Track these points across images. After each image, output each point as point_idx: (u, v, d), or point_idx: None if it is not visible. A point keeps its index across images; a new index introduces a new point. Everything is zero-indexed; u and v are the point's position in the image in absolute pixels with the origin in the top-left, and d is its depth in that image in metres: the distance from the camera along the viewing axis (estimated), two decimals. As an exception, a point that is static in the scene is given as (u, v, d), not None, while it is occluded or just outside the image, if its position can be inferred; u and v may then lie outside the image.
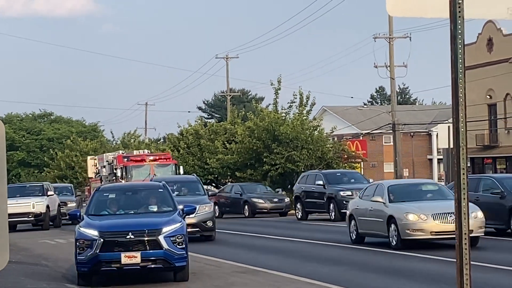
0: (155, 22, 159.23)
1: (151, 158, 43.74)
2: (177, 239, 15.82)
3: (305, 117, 55.25)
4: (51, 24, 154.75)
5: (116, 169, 43.85)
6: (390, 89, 53.47)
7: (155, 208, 17.53)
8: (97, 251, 15.64)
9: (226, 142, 56.51)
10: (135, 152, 48.83)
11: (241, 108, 70.08)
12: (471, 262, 5.97)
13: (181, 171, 42.68)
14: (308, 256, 21.95)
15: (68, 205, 41.48)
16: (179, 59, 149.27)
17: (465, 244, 5.43)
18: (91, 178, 51.14)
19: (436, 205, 20.66)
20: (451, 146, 37.98)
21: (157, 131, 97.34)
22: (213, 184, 60.91)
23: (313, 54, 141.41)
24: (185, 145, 59.22)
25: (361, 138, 65.88)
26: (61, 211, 38.91)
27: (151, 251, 15.66)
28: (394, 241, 19.83)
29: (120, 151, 49.32)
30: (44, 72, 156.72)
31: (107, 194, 18.61)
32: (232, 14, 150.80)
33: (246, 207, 44.70)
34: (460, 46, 5.38)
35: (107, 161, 46.97)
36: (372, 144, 69.70)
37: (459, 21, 5.30)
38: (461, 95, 5.46)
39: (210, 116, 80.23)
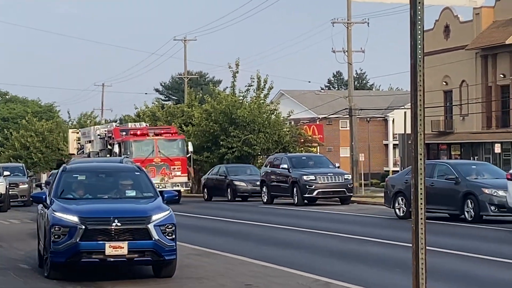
0: (114, 3, 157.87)
1: (155, 132, 38.33)
2: (167, 229, 14.86)
3: (262, 101, 55.65)
4: (7, 2, 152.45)
5: (112, 144, 38.33)
6: (347, 74, 53.88)
7: (133, 193, 16.23)
8: (77, 240, 14.46)
9: (183, 125, 56.64)
10: (130, 125, 43.45)
11: (199, 90, 69.96)
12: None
13: (190, 148, 37.95)
14: (264, 239, 22.23)
15: (20, 186, 38.80)
16: (137, 40, 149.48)
17: (421, 228, 5.58)
18: (73, 154, 45.62)
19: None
20: (407, 131, 38.33)
21: (114, 112, 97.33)
22: None
23: (271, 38, 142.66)
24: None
25: (318, 122, 67.79)
26: (12, 193, 36.67)
27: (139, 241, 14.58)
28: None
29: (114, 124, 44.03)
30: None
31: (76, 175, 16.80)
32: None
33: (228, 190, 44.14)
34: (419, 32, 5.50)
35: (98, 135, 41.37)
36: (328, 129, 71.20)
37: (419, 7, 5.35)
38: (420, 80, 5.67)
39: (167, 98, 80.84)
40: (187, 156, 36.76)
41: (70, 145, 45.07)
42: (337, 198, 34.79)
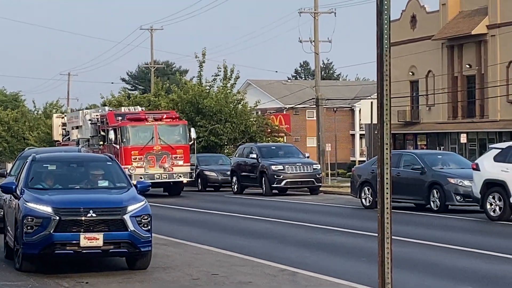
0: None
1: (155, 116, 33.94)
2: (143, 220, 14.77)
3: (229, 91, 55.72)
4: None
5: (106, 130, 34.15)
6: (314, 64, 54.25)
7: (105, 183, 16.17)
8: (51, 231, 14.34)
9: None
10: (123, 109, 39.19)
11: (165, 80, 70.07)
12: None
13: (193, 135, 33.98)
14: (231, 229, 22.45)
15: None
16: (103, 29, 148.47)
17: (387, 218, 5.66)
18: (58, 141, 41.51)
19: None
20: (374, 122, 38.65)
21: (80, 101, 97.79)
22: None
23: (238, 27, 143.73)
24: None
25: (284, 112, 68.74)
26: None
27: (115, 232, 14.47)
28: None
29: (107, 108, 39.61)
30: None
31: (47, 165, 16.59)
32: None
33: (199, 180, 43.51)
34: (386, 22, 5.55)
35: (89, 120, 36.96)
36: (295, 119, 72.25)
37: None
38: (386, 70, 5.71)
39: (133, 88, 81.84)
40: (190, 143, 33.57)
41: (55, 131, 41.41)
42: (306, 188, 34.92)
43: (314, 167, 35.11)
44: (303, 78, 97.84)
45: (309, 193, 34.24)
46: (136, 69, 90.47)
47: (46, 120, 71.31)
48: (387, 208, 5.77)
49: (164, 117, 33.15)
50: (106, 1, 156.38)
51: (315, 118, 54.89)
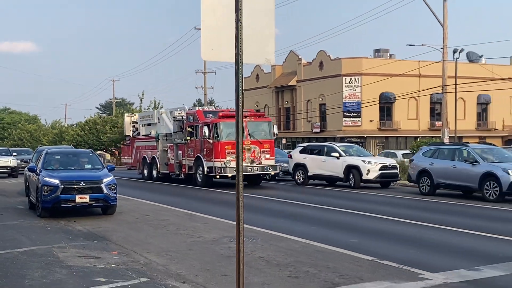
0: (67, 46, 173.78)
1: (244, 114, 25.36)
2: (112, 187, 16.26)
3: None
4: None
5: (194, 126, 28.20)
6: (204, 100, 61.96)
7: (89, 166, 17.47)
8: (59, 194, 15.64)
9: (112, 127, 64.29)
10: (197, 108, 32.21)
11: (121, 108, 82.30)
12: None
13: (275, 131, 28.36)
14: (160, 191, 27.17)
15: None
16: (83, 77, 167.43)
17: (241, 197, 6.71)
18: (128, 135, 36.98)
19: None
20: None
21: (72, 120, 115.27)
22: (105, 151, 69.35)
23: (164, 77, 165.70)
24: (88, 128, 67.79)
25: None
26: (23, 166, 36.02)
27: (96, 194, 15.88)
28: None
29: (186, 107, 32.68)
30: None
31: (54, 156, 18.03)
32: (119, 44, 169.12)
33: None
34: (240, 77, 6.28)
35: (173, 117, 30.94)
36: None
37: (240, 64, 6.25)
38: (240, 105, 6.40)
39: (103, 112, 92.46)
40: (274, 138, 28.59)
41: (126, 128, 37.07)
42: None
43: None
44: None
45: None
46: (104, 102, 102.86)
47: (52, 130, 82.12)
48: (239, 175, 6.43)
49: (252, 114, 28.53)
50: (82, 57, 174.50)
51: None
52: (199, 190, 26.21)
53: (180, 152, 29.52)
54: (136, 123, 36.52)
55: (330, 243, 12.36)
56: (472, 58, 63.64)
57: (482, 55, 63.89)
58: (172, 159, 30.85)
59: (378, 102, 61.86)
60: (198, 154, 27.71)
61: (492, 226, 14.89)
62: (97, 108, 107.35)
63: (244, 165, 21.96)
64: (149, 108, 66.92)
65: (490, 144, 29.59)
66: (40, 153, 20.06)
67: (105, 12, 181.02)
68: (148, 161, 33.26)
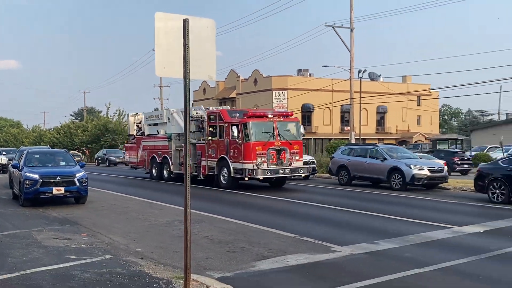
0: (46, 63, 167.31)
1: (273, 113, 22.19)
2: (83, 181, 15.75)
3: (121, 120, 65.37)
4: None
5: (218, 126, 22.05)
6: (160, 108, 58.94)
7: (64, 163, 16.81)
8: (38, 186, 15.10)
9: (83, 131, 64.80)
10: (211, 108, 25.72)
11: (91, 115, 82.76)
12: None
13: (302, 130, 22.57)
14: (122, 183, 25.80)
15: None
16: (55, 88, 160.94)
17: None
18: (133, 135, 30.71)
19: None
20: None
21: (50, 125, 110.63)
22: (77, 151, 63.92)
23: (128, 91, 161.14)
24: (63, 132, 67.23)
25: None
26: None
27: (70, 187, 15.42)
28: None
29: (202, 106, 25.61)
30: None
31: (34, 155, 17.45)
32: (92, 61, 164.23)
33: (107, 162, 46.59)
34: (188, 92, 6.31)
35: (191, 116, 22.94)
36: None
37: (187, 80, 6.25)
38: (188, 116, 6.47)
39: (75, 119, 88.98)
40: (302, 139, 22.91)
41: (130, 128, 31.18)
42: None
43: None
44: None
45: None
46: (77, 110, 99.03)
47: (32, 133, 78.49)
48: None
49: (280, 114, 22.43)
50: (61, 75, 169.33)
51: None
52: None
53: (199, 152, 23.46)
54: (140, 123, 30.37)
55: (262, 224, 12.28)
56: (373, 77, 64.56)
57: (380, 75, 64.91)
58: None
59: (300, 111, 61.64)
60: (223, 155, 21.83)
61: (393, 210, 15.02)
62: (71, 115, 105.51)
63: (275, 167, 20.37)
64: (115, 115, 67.35)
65: (393, 144, 29.92)
66: (22, 153, 19.40)
67: (84, 33, 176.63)
68: (158, 161, 27.17)
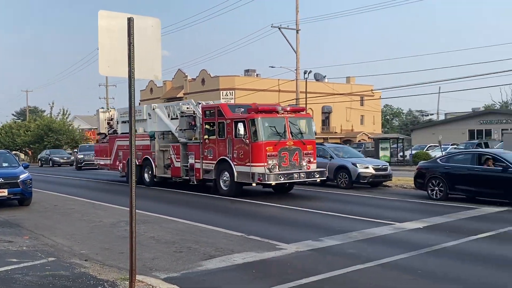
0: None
1: (286, 109, 18.34)
2: (27, 182, 15.55)
3: (66, 120, 65.33)
4: None
5: (218, 123, 18.46)
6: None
7: (6, 164, 16.46)
8: None
9: (25, 131, 63.73)
10: (204, 103, 20.97)
11: (34, 115, 79.69)
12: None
13: (314, 127, 18.63)
14: (62, 183, 25.81)
15: None
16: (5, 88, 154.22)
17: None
18: (104, 133, 27.22)
19: None
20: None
21: None
22: (20, 151, 65.99)
23: (73, 89, 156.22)
24: (5, 132, 65.90)
25: (93, 130, 68.03)
26: None
27: (13, 189, 15.15)
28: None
29: (193, 100, 22.13)
30: None
31: None
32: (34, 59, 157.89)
33: (50, 162, 45.93)
34: (133, 92, 6.23)
35: (181, 112, 20.78)
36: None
37: (132, 80, 6.18)
38: (132, 112, 6.36)
39: (18, 118, 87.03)
40: (315, 138, 19.36)
41: (100, 125, 27.37)
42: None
43: None
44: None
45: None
46: (19, 109, 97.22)
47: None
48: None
49: (291, 109, 18.67)
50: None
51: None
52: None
53: (191, 153, 20.11)
54: (112, 119, 27.02)
55: (209, 224, 12.25)
56: (318, 77, 65.77)
57: (325, 76, 66.18)
58: (177, 161, 21.15)
59: (247, 111, 62.82)
60: (223, 157, 18.40)
61: (338, 207, 15.19)
62: (12, 115, 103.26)
63: (289, 171, 17.25)
64: (58, 114, 66.40)
65: (338, 143, 30.07)
66: None
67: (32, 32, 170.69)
68: (137, 163, 22.60)
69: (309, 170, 18.09)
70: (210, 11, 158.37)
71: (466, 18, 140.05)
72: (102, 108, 29.21)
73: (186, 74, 71.23)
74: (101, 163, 27.30)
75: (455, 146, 40.82)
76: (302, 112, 19.13)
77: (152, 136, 22.73)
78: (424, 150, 40.52)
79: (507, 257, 9.10)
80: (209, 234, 11.09)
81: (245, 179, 17.59)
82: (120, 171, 25.32)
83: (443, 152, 26.30)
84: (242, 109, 18.61)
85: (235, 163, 17.90)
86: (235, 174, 17.82)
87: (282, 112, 18.10)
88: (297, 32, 37.79)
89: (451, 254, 9.24)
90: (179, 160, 21.09)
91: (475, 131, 57.04)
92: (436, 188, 17.35)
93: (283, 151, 17.51)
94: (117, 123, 26.41)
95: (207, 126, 19.36)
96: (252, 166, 17.28)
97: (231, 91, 65.40)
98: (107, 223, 12.58)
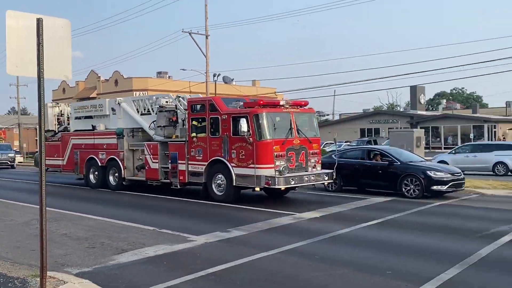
0: None
1: (289, 103, 15.18)
2: None
3: None
4: None
5: (211, 119, 15.15)
6: (17, 108, 62.57)
7: None
8: None
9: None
10: (190, 96, 17.96)
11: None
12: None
13: (315, 124, 15.88)
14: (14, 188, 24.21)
15: None
16: None
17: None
18: (53, 131, 23.01)
19: None
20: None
21: None
22: None
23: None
24: None
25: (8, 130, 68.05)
26: None
27: None
28: None
29: (170, 94, 18.68)
30: None
31: None
32: None
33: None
34: (42, 91, 5.90)
35: (160, 106, 17.60)
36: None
37: (42, 79, 5.84)
38: (42, 111, 5.96)
39: None
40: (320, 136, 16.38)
41: (49, 121, 22.83)
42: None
43: None
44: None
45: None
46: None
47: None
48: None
49: (296, 104, 15.56)
50: None
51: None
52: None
53: (173, 153, 16.81)
54: (62, 115, 23.32)
55: (121, 219, 11.96)
56: (227, 80, 65.81)
57: (233, 78, 66.44)
58: (154, 162, 17.86)
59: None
60: (217, 157, 15.19)
61: (244, 200, 14.97)
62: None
63: (298, 173, 14.34)
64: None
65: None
66: None
67: None
68: (100, 164, 20.07)
69: (319, 171, 15.22)
70: (123, 14, 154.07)
71: (348, 29, 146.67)
72: (51, 102, 25.14)
73: (99, 75, 68.77)
74: (51, 164, 22.55)
75: (348, 143, 41.95)
76: (305, 107, 15.90)
77: (120, 134, 19.22)
78: (321, 147, 42.63)
79: (391, 241, 9.58)
80: (121, 229, 10.77)
81: (247, 182, 14.36)
82: (76, 173, 21.63)
83: (338, 148, 27.20)
84: (241, 103, 15.18)
85: (234, 165, 14.63)
86: (234, 177, 14.60)
87: (287, 106, 15.05)
88: (206, 37, 37.87)
89: (345, 240, 9.59)
90: (157, 161, 17.65)
91: (366, 129, 60.24)
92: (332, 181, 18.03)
93: (290, 151, 14.48)
94: (68, 119, 23.04)
95: (194, 123, 15.96)
96: (257, 168, 14.04)
97: (143, 92, 63.91)
98: (19, 222, 11.89)
